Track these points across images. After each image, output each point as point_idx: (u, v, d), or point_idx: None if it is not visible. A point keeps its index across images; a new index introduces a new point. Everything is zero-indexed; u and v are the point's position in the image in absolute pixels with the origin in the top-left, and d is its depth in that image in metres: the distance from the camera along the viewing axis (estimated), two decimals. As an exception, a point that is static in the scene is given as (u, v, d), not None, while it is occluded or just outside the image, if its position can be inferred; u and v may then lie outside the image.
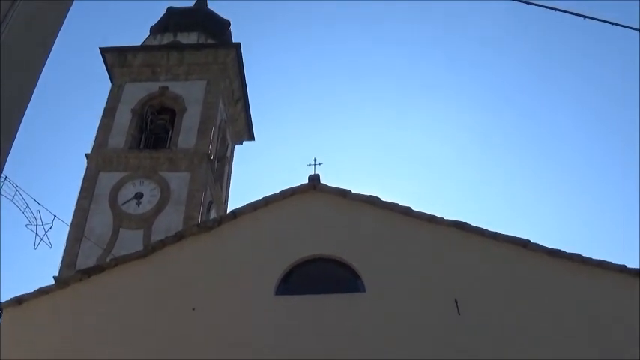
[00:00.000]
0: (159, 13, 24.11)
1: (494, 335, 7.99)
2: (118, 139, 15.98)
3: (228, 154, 18.46)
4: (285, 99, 39.46)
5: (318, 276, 8.95)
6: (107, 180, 15.11)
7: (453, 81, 34.80)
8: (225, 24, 20.01)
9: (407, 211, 9.45)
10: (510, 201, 32.95)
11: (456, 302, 8.28)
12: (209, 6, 20.81)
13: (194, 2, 21.05)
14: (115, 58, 17.47)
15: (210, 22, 19.28)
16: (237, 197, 23.21)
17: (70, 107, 36.29)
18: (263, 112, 37.51)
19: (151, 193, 14.74)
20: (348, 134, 36.75)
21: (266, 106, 36.66)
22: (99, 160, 15.39)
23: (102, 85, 33.94)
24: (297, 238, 9.34)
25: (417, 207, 9.47)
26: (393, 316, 8.29)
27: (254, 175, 34.03)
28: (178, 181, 14.88)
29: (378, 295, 8.57)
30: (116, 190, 14.81)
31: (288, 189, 10.14)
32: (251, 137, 19.85)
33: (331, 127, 37.67)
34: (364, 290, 8.75)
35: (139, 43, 18.18)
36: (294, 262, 9.12)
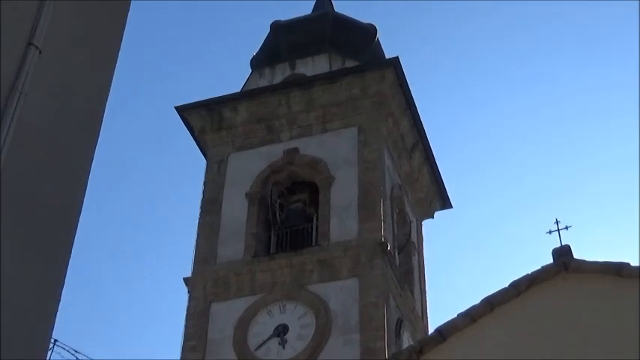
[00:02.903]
0: (258, 34, 25.65)
1: None
2: (233, 245, 17.09)
3: (414, 236, 19.26)
4: (487, 134, 42.00)
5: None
6: (225, 313, 16.11)
7: None
8: (369, 31, 20.91)
9: None
10: None
11: None
12: (336, 8, 21.75)
13: (312, 7, 22.01)
14: (204, 118, 18.89)
15: (345, 33, 20.56)
16: (439, 302, 24.30)
17: (143, 208, 40.48)
18: (453, 159, 40.46)
19: (300, 323, 15.58)
20: (596, 181, 38.07)
21: (457, 150, 40.30)
22: (207, 284, 16.49)
23: (190, 165, 36.49)
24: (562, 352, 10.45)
25: None
26: None
27: (459, 261, 35.90)
28: (341, 295, 15.66)
29: None
30: (243, 327, 15.71)
31: (522, 279, 11.08)
32: (446, 203, 20.71)
33: (573, 171, 39.63)
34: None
35: (237, 89, 19.71)
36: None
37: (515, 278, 11.62)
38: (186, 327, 16.13)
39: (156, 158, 42.06)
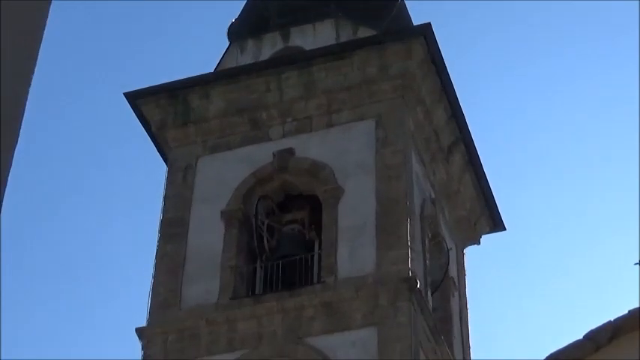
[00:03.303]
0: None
1: None
2: (204, 283, 16.44)
3: (453, 270, 18.57)
4: (555, 131, 39.70)
5: None
6: None
7: None
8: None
9: None
10: None
11: None
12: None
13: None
14: (165, 108, 18.38)
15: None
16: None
17: (80, 234, 38.73)
18: (507, 164, 38.77)
19: None
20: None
21: (511, 152, 38.70)
22: (168, 337, 15.88)
23: (145, 173, 36.54)
24: None
25: None
26: None
27: (515, 303, 35.40)
28: (353, 351, 15.07)
29: None
30: None
31: (602, 328, 10.31)
32: (496, 225, 20.03)
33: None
34: None
35: (209, 68, 19.08)
36: None
37: (593, 327, 10.49)
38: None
39: (99, 165, 39.21)
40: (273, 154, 17.24)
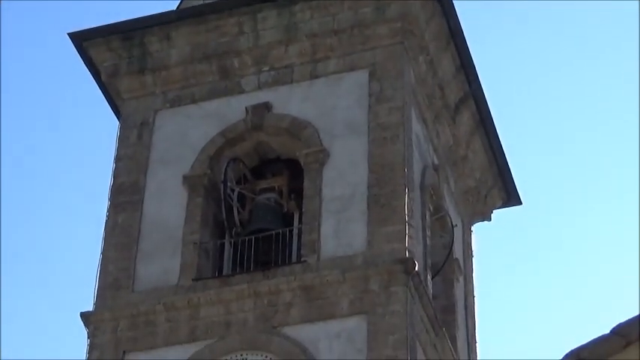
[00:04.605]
0: None
1: None
2: (162, 262, 16.64)
3: (459, 250, 18.80)
4: (580, 87, 40.00)
5: None
6: None
7: None
8: None
9: None
10: None
11: None
12: None
13: None
14: (117, 52, 18.57)
15: None
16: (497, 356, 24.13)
17: (21, 200, 38.92)
18: (524, 126, 39.02)
19: None
20: None
21: (530, 111, 38.90)
22: (119, 324, 16.09)
23: (94, 130, 36.74)
24: None
25: None
26: None
27: (532, 291, 36.34)
28: (337, 343, 15.18)
29: None
30: None
31: (631, 322, 10.22)
32: (511, 197, 20.33)
33: None
34: None
35: (171, 6, 19.11)
36: None
37: (621, 320, 10.36)
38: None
39: (39, 119, 40.50)
40: (246, 110, 17.28)
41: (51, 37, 39.18)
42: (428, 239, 16.87)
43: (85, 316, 16.03)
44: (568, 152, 39.76)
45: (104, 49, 18.49)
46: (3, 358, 24.85)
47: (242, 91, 17.67)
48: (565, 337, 35.51)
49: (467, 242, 19.50)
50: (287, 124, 17.25)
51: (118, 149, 17.84)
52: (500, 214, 20.70)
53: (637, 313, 10.94)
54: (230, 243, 16.91)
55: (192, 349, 15.44)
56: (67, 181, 38.62)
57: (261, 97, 17.52)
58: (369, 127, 16.72)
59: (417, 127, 17.24)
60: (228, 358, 15.29)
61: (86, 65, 18.75)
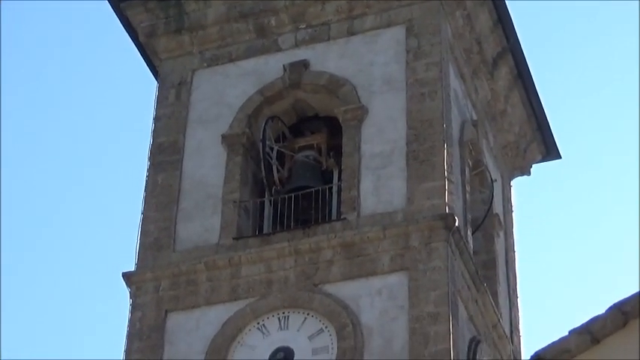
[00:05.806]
0: None
1: None
2: (203, 221, 16.77)
3: (499, 206, 18.82)
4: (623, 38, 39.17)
5: None
6: (191, 330, 15.81)
7: None
8: None
9: None
10: None
11: None
12: None
13: None
14: (154, 13, 18.44)
15: None
16: (538, 313, 23.64)
17: (58, 162, 38.89)
18: (564, 80, 38.55)
19: (312, 345, 15.19)
20: None
21: (570, 66, 38.35)
22: (161, 283, 16.24)
23: (133, 90, 36.24)
24: None
25: None
26: None
27: (573, 246, 36.31)
28: (378, 300, 15.25)
29: None
30: (220, 352, 15.30)
31: None
32: (550, 151, 20.37)
33: None
34: None
35: None
36: None
37: None
38: (128, 352, 15.74)
39: (78, 81, 39.93)
40: (284, 67, 17.34)
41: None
42: (467, 195, 16.96)
43: (127, 276, 16.20)
44: (607, 105, 39.59)
45: (141, 10, 18.46)
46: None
47: (279, 49, 17.71)
48: (607, 290, 35.18)
49: (506, 197, 19.58)
50: (325, 81, 17.25)
51: (157, 109, 17.90)
52: (540, 168, 20.77)
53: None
54: (270, 201, 16.99)
55: (233, 307, 15.54)
56: (107, 143, 38.78)
57: (299, 54, 17.58)
58: (406, 83, 16.71)
59: (454, 82, 17.29)
60: (270, 316, 15.39)
61: (123, 26, 18.76)
